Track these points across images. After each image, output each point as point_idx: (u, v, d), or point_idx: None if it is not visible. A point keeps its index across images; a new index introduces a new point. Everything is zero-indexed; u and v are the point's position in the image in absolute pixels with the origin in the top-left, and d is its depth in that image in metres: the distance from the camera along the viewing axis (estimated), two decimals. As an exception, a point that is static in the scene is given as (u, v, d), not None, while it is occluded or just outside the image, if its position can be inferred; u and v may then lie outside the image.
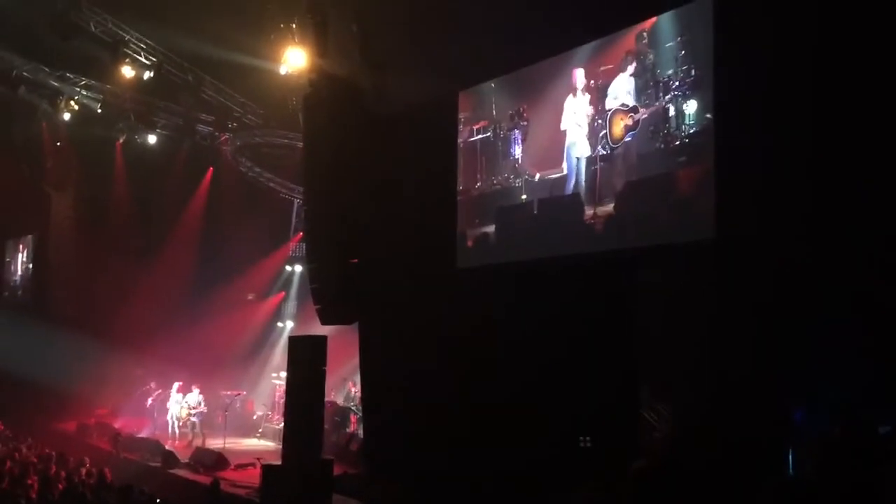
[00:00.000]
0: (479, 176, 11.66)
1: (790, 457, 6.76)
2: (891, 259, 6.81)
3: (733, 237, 8.10)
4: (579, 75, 10.15)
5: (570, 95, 10.25)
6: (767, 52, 7.87)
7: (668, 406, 9.01)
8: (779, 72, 7.77)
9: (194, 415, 17.15)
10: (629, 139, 9.42)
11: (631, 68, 9.45)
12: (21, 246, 24.84)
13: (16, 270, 25.04)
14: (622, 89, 9.53)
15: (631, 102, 9.40)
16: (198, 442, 16.47)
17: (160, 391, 18.58)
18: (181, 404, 17.28)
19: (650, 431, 9.11)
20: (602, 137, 9.75)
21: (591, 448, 8.87)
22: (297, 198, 20.39)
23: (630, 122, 9.35)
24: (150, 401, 18.81)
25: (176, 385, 17.86)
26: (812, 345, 7.37)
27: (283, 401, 14.76)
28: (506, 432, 10.18)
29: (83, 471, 12.69)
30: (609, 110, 9.68)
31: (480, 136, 11.55)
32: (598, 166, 9.82)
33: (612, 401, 9.13)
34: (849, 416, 4.92)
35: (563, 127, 10.29)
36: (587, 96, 10.00)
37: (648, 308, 9.09)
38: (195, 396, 17.33)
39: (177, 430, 17.45)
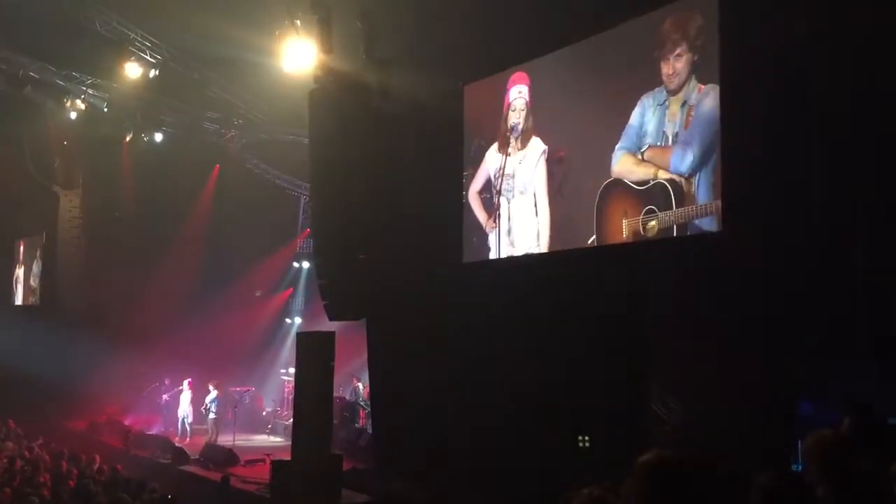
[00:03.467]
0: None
1: (799, 450, 6.75)
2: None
3: (741, 230, 8.06)
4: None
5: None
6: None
7: (678, 399, 8.99)
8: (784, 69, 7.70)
9: (213, 412, 17.21)
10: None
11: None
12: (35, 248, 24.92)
13: (29, 271, 25.13)
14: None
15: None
16: (212, 439, 16.54)
17: (174, 387, 18.67)
18: (206, 405, 17.35)
19: (660, 425, 9.09)
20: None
21: (601, 443, 8.84)
22: (303, 194, 20.44)
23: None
24: (165, 397, 18.89)
25: (186, 382, 17.95)
26: (820, 337, 7.35)
27: (292, 397, 14.80)
28: (514, 427, 10.17)
29: (95, 468, 12.76)
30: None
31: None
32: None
33: (622, 395, 9.11)
34: (857, 407, 4.90)
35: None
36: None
37: (657, 301, 9.05)
38: (212, 395, 17.37)
39: (188, 428, 17.52)
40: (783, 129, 7.64)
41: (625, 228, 8.61)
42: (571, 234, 9.42)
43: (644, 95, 8.44)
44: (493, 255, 11.13)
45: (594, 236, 9.13)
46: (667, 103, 8.20)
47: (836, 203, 7.24)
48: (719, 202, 7.80)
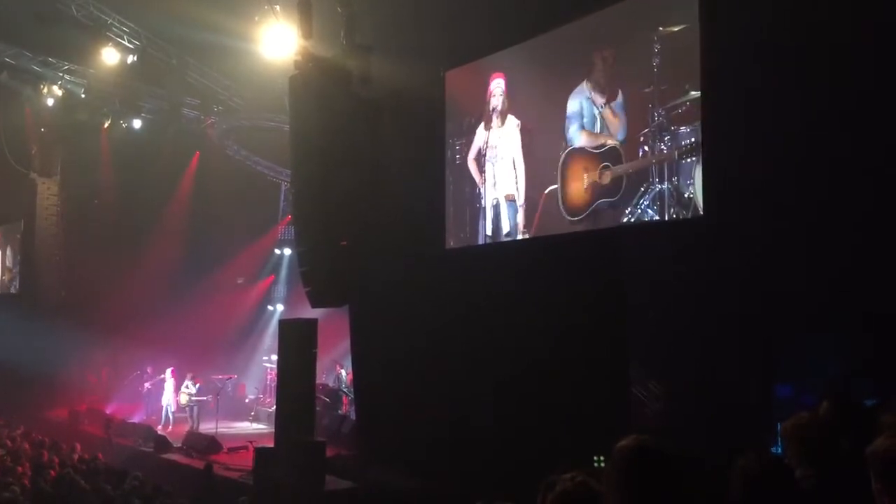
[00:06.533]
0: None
1: (778, 432, 6.82)
2: (874, 236, 6.85)
3: (722, 216, 8.13)
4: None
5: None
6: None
7: (659, 383, 9.07)
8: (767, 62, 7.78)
9: (193, 402, 17.15)
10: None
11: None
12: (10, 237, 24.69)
13: (7, 258, 24.92)
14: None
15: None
16: (195, 427, 16.49)
17: (156, 376, 18.59)
18: (185, 391, 17.26)
19: (641, 408, 9.16)
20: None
21: (582, 427, 8.88)
22: (284, 181, 20.31)
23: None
24: (147, 385, 18.82)
25: (169, 370, 17.87)
26: (799, 320, 7.43)
27: (274, 384, 14.79)
28: (496, 412, 10.22)
29: (75, 457, 12.71)
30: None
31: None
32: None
33: (604, 379, 9.17)
34: (835, 389, 4.95)
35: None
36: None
37: (638, 286, 9.11)
38: (192, 385, 17.30)
39: (170, 416, 17.46)
40: (759, 126, 7.74)
41: (585, 180, 10.13)
42: (538, 182, 10.90)
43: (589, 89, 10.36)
44: (482, 202, 11.68)
45: (556, 185, 10.46)
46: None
47: (812, 191, 7.31)
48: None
